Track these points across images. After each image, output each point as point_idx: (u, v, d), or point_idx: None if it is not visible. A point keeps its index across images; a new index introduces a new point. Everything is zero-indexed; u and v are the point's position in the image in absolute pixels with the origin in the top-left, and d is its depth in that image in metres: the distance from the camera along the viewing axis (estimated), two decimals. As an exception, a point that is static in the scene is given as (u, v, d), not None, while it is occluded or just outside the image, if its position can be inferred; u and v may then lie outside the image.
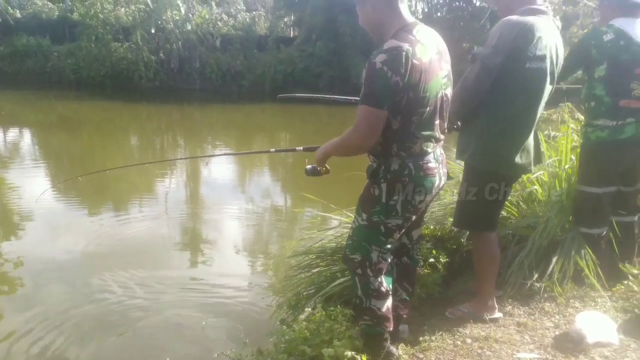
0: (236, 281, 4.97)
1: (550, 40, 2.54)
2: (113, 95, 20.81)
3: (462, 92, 2.55)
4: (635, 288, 2.95)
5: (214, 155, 4.20)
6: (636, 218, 3.27)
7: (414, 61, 2.08)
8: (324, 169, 2.53)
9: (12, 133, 14.07)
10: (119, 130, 15.15)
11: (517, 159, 2.62)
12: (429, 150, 2.28)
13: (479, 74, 2.49)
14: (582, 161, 3.16)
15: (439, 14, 26.19)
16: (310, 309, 3.13)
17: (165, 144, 14.44)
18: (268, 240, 6.50)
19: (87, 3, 22.96)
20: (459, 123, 2.76)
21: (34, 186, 8.16)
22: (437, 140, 2.33)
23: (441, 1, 27.02)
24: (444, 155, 2.44)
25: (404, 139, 2.22)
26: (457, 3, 24.79)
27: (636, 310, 2.80)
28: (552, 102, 4.69)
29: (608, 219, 3.18)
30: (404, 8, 2.24)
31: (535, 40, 2.46)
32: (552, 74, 2.59)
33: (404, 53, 2.06)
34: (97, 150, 12.12)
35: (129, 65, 22.73)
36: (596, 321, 2.63)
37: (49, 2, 27.10)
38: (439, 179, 2.35)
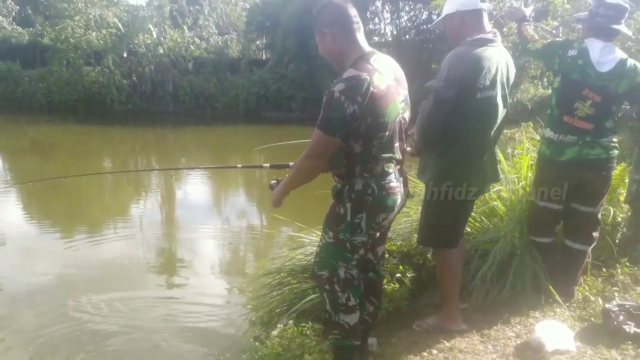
0: (209, 300, 5.00)
1: (499, 68, 2.67)
2: (85, 119, 20.70)
3: (421, 124, 2.68)
4: (592, 298, 3.10)
5: (180, 169, 4.27)
6: (589, 250, 3.26)
7: (372, 89, 2.21)
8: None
9: None
10: (92, 153, 15.06)
11: (474, 182, 2.77)
12: (390, 170, 2.40)
13: (434, 106, 2.61)
14: (535, 172, 3.31)
15: (407, 37, 26.77)
16: (282, 326, 3.19)
17: (140, 166, 14.32)
18: (240, 259, 6.56)
19: (57, 28, 23.00)
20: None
21: (4, 211, 8.11)
22: (398, 162, 2.45)
23: (409, 24, 27.65)
24: (405, 174, 2.57)
25: (367, 161, 2.34)
26: (424, 26, 25.42)
27: (592, 319, 2.94)
28: (516, 121, 4.91)
29: (553, 231, 3.28)
30: (361, 38, 2.37)
31: (484, 72, 2.56)
32: (504, 98, 2.73)
33: (362, 82, 2.19)
34: (69, 173, 11.74)
35: (101, 89, 22.77)
36: (554, 330, 2.75)
37: (18, 27, 27.00)
38: (400, 197, 2.47)
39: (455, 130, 2.67)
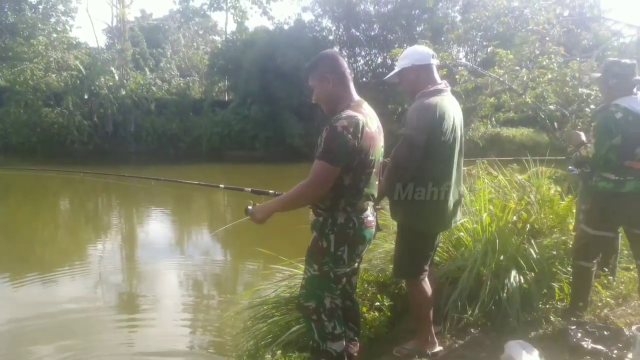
0: (185, 339, 4.97)
1: (454, 113, 3.04)
2: (44, 160, 20.22)
3: (395, 169, 2.93)
4: (552, 319, 3.40)
5: (164, 180, 4.20)
6: None
7: (366, 129, 2.53)
8: None
9: None
10: (50, 194, 14.67)
11: (441, 222, 3.10)
12: (368, 207, 2.68)
13: (409, 151, 2.88)
14: (588, 204, 3.61)
15: (364, 79, 27.71)
16: (269, 357, 3.31)
17: (100, 207, 14.14)
18: (217, 297, 6.50)
19: (16, 70, 22.71)
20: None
21: None
22: (373, 199, 2.74)
23: (365, 68, 28.70)
24: (375, 211, 2.83)
25: (351, 195, 2.60)
26: (380, 69, 26.43)
27: (554, 337, 3.22)
28: (468, 157, 5.30)
29: (597, 258, 3.57)
30: (352, 87, 2.70)
31: (445, 118, 2.91)
32: (460, 139, 3.10)
33: (360, 122, 2.50)
34: (22, 216, 11.59)
35: (61, 130, 22.51)
36: (522, 348, 3.01)
37: None
38: (374, 230, 2.76)
39: (425, 172, 2.97)
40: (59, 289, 6.49)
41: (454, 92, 3.31)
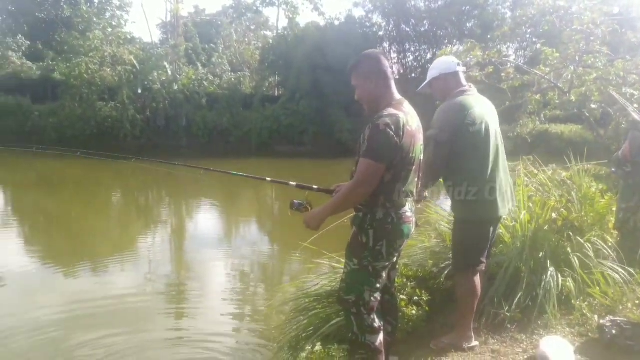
0: (230, 329, 5.14)
1: (482, 108, 3.18)
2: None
3: (427, 168, 3.08)
4: (589, 315, 3.42)
5: (214, 170, 4.33)
6: None
7: (407, 127, 2.59)
8: (309, 207, 2.91)
9: None
10: (102, 187, 15.08)
11: (489, 205, 3.15)
12: (407, 203, 2.74)
13: (435, 150, 3.05)
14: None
15: (413, 75, 27.53)
16: (310, 348, 3.43)
17: (151, 199, 14.56)
18: (259, 288, 6.65)
19: (71, 64, 23.25)
20: (426, 194, 3.31)
21: (5, 248, 7.96)
22: (412, 195, 2.80)
23: (415, 64, 28.51)
24: (414, 207, 2.90)
25: (391, 192, 2.66)
26: (429, 65, 26.18)
27: (590, 334, 3.25)
28: (516, 154, 5.29)
29: None
30: (393, 85, 2.77)
31: (468, 112, 3.07)
32: (495, 131, 3.20)
33: (401, 120, 2.57)
34: (77, 208, 11.92)
35: (114, 124, 22.92)
36: (557, 345, 3.03)
37: (28, 62, 27.03)
38: (413, 226, 2.81)
39: (465, 166, 3.13)
40: (110, 278, 6.75)
41: (499, 90, 3.45)
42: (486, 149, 3.13)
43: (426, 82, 3.38)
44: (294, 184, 3.21)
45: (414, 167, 2.70)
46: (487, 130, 3.13)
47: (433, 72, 3.33)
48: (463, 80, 3.29)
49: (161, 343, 4.80)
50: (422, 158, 2.83)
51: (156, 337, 4.92)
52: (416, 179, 2.79)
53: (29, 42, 29.70)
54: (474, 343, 3.29)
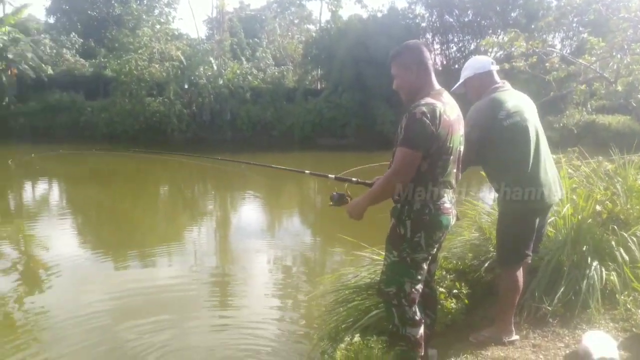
0: (272, 319, 5.19)
1: (518, 101, 3.18)
2: (145, 147, 21.16)
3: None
4: (633, 310, 3.33)
5: (255, 164, 4.46)
6: None
7: (444, 117, 2.60)
8: (349, 199, 2.94)
9: (42, 186, 14.37)
10: (150, 181, 15.50)
11: (533, 196, 3.12)
12: (445, 194, 2.72)
13: (467, 148, 3.00)
14: None
15: (456, 66, 27.05)
16: (349, 339, 3.44)
17: (196, 192, 14.92)
18: (301, 279, 6.72)
19: (121, 60, 23.96)
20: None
21: (59, 240, 8.27)
22: (452, 187, 2.78)
23: (458, 54, 28.02)
24: (455, 199, 2.89)
25: (428, 182, 2.66)
26: (472, 55, 25.71)
27: (634, 329, 3.17)
28: (563, 145, 5.18)
29: None
30: (434, 77, 2.77)
31: (501, 106, 3.10)
32: (532, 123, 3.17)
33: (438, 109, 2.58)
34: (127, 200, 12.36)
35: (162, 118, 23.41)
36: (600, 340, 2.96)
37: (81, 59, 28.01)
38: (452, 218, 2.79)
39: (504, 159, 3.14)
40: (157, 268, 7.00)
41: (543, 81, 3.43)
42: (525, 142, 3.11)
43: (460, 82, 3.39)
44: (333, 176, 3.23)
45: (451, 157, 2.68)
46: (523, 123, 3.11)
47: (467, 72, 3.35)
48: (497, 78, 3.30)
49: (206, 329, 4.95)
50: (461, 149, 2.81)
51: (201, 323, 5.08)
52: (455, 170, 2.76)
53: (82, 40, 30.82)
54: (514, 337, 3.27)
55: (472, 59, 3.52)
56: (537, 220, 3.22)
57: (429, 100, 2.61)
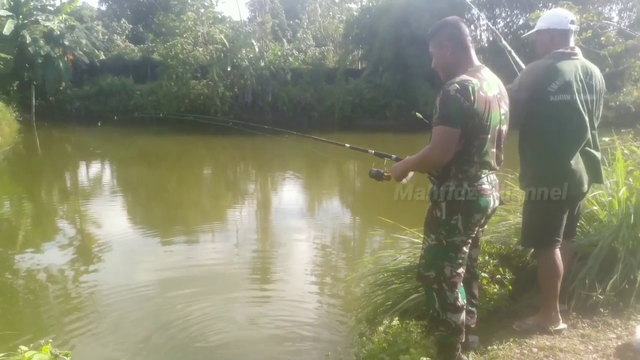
0: (311, 300, 5.25)
1: (575, 77, 2.94)
2: (191, 129, 21.81)
3: None
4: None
5: (298, 135, 4.58)
6: None
7: (481, 93, 2.46)
8: (387, 174, 2.86)
9: (95, 167, 15.20)
10: (194, 161, 15.98)
11: (567, 184, 2.94)
12: (483, 175, 2.58)
13: (513, 107, 2.83)
14: None
15: (504, 42, 26.09)
16: (387, 322, 3.38)
17: (238, 173, 15.18)
18: (340, 261, 6.72)
19: (167, 45, 24.49)
20: None
21: (111, 218, 8.76)
22: (492, 168, 2.62)
23: (506, 30, 27.05)
24: (497, 181, 2.74)
25: (463, 162, 2.53)
26: (521, 31, 24.71)
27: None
28: (619, 125, 4.88)
29: None
30: (473, 53, 2.63)
31: (557, 77, 2.91)
32: (586, 103, 2.96)
33: (473, 86, 2.44)
34: (173, 181, 12.77)
35: (206, 101, 23.97)
36: (656, 332, 2.80)
37: (130, 44, 29.18)
38: (492, 200, 2.64)
39: (540, 135, 2.98)
40: (201, 245, 7.27)
41: (598, 57, 3.22)
42: (567, 124, 2.94)
43: (533, 30, 3.19)
44: (372, 152, 3.18)
45: (488, 136, 2.53)
46: (573, 103, 2.93)
47: (542, 23, 3.13)
48: (571, 42, 3.07)
49: (246, 302, 5.15)
50: (503, 128, 2.66)
51: (242, 297, 5.31)
52: (493, 150, 2.60)
53: (131, 26, 31.98)
54: (561, 326, 3.10)
55: (552, 10, 3.32)
56: (567, 207, 3.06)
57: (464, 77, 2.48)
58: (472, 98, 2.42)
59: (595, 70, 3.07)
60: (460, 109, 2.42)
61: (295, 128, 22.28)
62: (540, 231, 3.04)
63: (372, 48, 25.05)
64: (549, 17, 3.12)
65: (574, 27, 3.07)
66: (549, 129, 2.96)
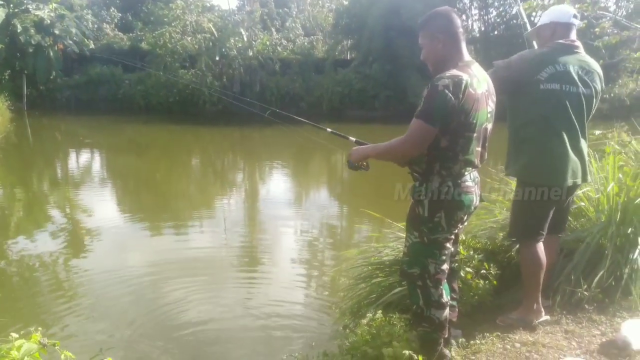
0: (297, 291, 5.26)
1: (570, 68, 2.94)
2: (179, 119, 21.75)
3: None
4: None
5: (280, 112, 4.57)
6: None
7: (470, 90, 2.39)
8: (364, 164, 2.79)
9: (85, 156, 15.13)
10: (183, 151, 15.89)
11: (553, 179, 2.94)
12: (466, 172, 2.54)
13: (494, 83, 2.79)
14: None
15: (495, 32, 26.11)
16: (371, 315, 3.35)
17: (226, 163, 15.12)
18: (326, 253, 6.74)
19: (156, 33, 24.15)
20: None
21: (100, 206, 8.82)
22: (475, 166, 2.58)
23: (498, 20, 26.99)
24: (479, 178, 2.70)
25: (447, 159, 2.48)
26: (514, 21, 24.65)
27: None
28: (611, 118, 4.84)
29: None
30: (464, 46, 2.56)
31: (549, 65, 2.91)
32: (577, 96, 2.94)
33: (464, 82, 2.38)
34: (161, 170, 12.77)
35: (194, 91, 23.55)
36: (641, 329, 2.78)
37: (119, 33, 28.78)
38: (475, 197, 2.60)
39: (527, 122, 2.99)
40: (190, 234, 7.30)
41: (593, 48, 3.19)
42: (553, 113, 2.94)
43: (535, 27, 3.19)
44: (354, 139, 3.13)
45: (474, 135, 2.48)
46: (563, 95, 2.92)
47: (545, 18, 3.13)
48: (573, 35, 3.06)
49: (234, 294, 5.15)
50: (489, 127, 2.61)
51: (230, 289, 5.31)
52: (478, 149, 2.55)
53: (120, 14, 31.53)
54: (544, 317, 3.09)
55: (554, 6, 3.35)
56: (554, 205, 3.05)
57: (454, 72, 2.41)
58: (461, 95, 2.36)
59: (595, 67, 3.05)
60: (444, 107, 2.36)
61: (283, 118, 22.27)
62: (525, 223, 3.04)
63: (361, 38, 24.88)
64: (552, 12, 3.12)
65: (576, 22, 3.06)
66: (536, 117, 2.97)
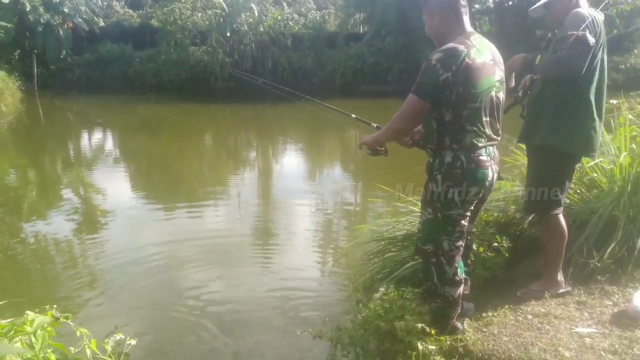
0: (311, 267, 5.28)
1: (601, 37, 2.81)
2: (191, 97, 21.67)
3: (556, 65, 2.77)
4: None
5: (307, 98, 4.55)
6: None
7: (467, 60, 2.37)
8: (382, 149, 2.80)
9: (97, 136, 15.19)
10: (195, 130, 15.88)
11: (579, 146, 2.90)
12: (480, 145, 2.50)
13: (581, 51, 2.69)
14: None
15: (510, 3, 25.57)
16: (383, 290, 3.38)
17: (238, 141, 15.08)
18: (340, 228, 6.75)
19: (166, 10, 24.05)
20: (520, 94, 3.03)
21: (114, 186, 8.84)
22: (490, 139, 2.54)
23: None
24: (497, 154, 2.67)
25: (455, 132, 2.47)
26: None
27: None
28: (627, 88, 4.75)
29: None
30: (466, 20, 2.54)
31: (597, 32, 2.75)
32: (602, 62, 2.86)
33: (459, 53, 2.37)
34: (174, 150, 12.72)
35: (206, 68, 23.64)
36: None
37: (129, 10, 28.69)
38: (491, 173, 2.56)
39: (570, 88, 2.84)
40: (203, 214, 7.28)
41: (606, 17, 3.04)
42: (597, 82, 2.84)
43: (542, 2, 3.00)
44: (375, 125, 3.11)
45: (479, 105, 2.45)
46: (600, 62, 2.83)
47: None
48: (584, 3, 2.95)
49: (249, 272, 5.17)
50: (500, 96, 2.57)
51: (245, 267, 5.31)
52: (488, 118, 2.51)
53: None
54: (566, 288, 3.08)
55: None
56: (572, 175, 3.04)
57: (450, 45, 2.41)
58: (455, 68, 2.36)
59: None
60: (434, 80, 2.40)
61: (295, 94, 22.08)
62: (548, 192, 2.98)
63: (374, 11, 24.61)
64: None
65: None
66: (583, 86, 2.83)
